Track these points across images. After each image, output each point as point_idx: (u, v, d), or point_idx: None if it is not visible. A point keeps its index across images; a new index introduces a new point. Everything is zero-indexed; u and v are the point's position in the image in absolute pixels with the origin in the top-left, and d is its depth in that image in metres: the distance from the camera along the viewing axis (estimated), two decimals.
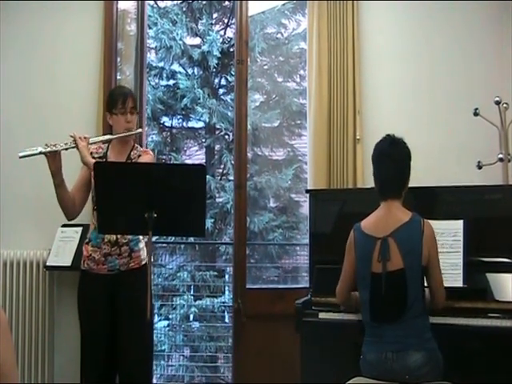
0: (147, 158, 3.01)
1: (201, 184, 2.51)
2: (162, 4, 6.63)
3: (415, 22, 3.92)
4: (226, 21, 6.83)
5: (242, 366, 3.80)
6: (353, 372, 2.53)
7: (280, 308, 3.64)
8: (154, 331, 5.61)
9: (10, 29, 3.85)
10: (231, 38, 6.46)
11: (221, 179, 6.56)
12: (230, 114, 6.35)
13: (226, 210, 6.28)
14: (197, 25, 6.64)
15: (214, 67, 6.56)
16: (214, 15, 6.84)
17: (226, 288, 6.21)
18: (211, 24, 6.68)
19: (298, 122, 6.39)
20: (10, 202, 3.75)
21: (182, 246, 6.43)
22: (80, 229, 3.54)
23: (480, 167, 3.56)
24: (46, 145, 2.79)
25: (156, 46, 6.57)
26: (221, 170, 6.66)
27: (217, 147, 6.71)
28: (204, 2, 6.63)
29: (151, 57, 6.51)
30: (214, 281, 6.17)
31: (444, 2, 3.84)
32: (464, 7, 3.86)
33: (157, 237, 4.70)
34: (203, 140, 6.81)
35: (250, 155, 5.26)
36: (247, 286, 3.88)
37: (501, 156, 3.50)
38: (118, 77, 3.92)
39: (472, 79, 3.83)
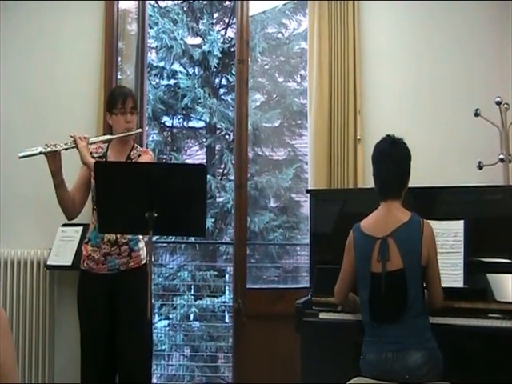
0: (147, 157, 3.01)
1: (201, 184, 2.51)
2: (162, 4, 6.63)
3: (416, 22, 3.91)
4: (226, 21, 6.84)
5: (243, 366, 3.80)
6: (353, 372, 2.53)
7: (280, 308, 3.63)
8: (155, 331, 5.64)
9: (10, 29, 3.85)
10: (232, 38, 6.46)
11: (221, 179, 6.56)
12: (230, 113, 6.35)
13: (227, 210, 6.28)
14: (197, 24, 6.65)
15: (215, 67, 6.56)
16: (215, 15, 6.85)
17: (227, 288, 6.21)
18: (212, 24, 6.69)
19: (299, 121, 6.39)
20: (10, 202, 3.75)
21: (183, 245, 6.44)
22: (80, 228, 3.53)
23: (481, 167, 3.56)
24: (46, 145, 2.79)
25: (157, 46, 6.57)
26: (221, 170, 6.67)
27: (217, 147, 6.71)
28: (205, 2, 6.63)
29: (152, 56, 6.51)
30: (214, 280, 6.18)
31: (444, 2, 3.84)
32: (464, 7, 3.85)
33: (157, 236, 4.69)
34: (204, 140, 6.81)
35: (250, 155, 5.26)
36: (247, 286, 3.88)
37: (501, 156, 3.50)
38: (119, 76, 3.91)
39: (473, 79, 3.83)
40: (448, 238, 2.91)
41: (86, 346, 2.95)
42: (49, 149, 2.78)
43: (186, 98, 6.49)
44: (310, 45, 3.91)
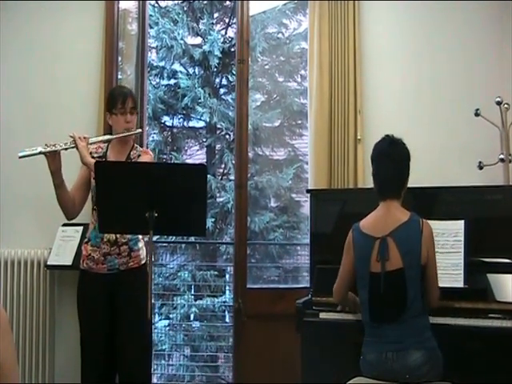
0: (147, 157, 3.01)
1: (201, 183, 2.51)
2: (163, 3, 6.63)
3: (416, 22, 3.91)
4: (227, 20, 6.84)
5: (243, 366, 3.80)
6: (353, 372, 2.53)
7: (281, 308, 3.63)
8: (155, 331, 5.65)
9: (10, 29, 3.85)
10: (232, 38, 6.46)
11: (221, 179, 6.56)
12: (230, 113, 6.35)
13: (227, 210, 6.28)
14: (198, 24, 6.64)
15: (215, 67, 6.56)
16: (215, 15, 6.85)
17: (227, 288, 6.21)
18: (212, 24, 6.68)
19: (299, 121, 6.40)
20: (10, 202, 3.75)
21: (183, 245, 6.44)
22: (81, 228, 3.53)
23: (481, 168, 3.56)
24: (46, 145, 2.79)
25: (157, 46, 6.57)
26: (221, 170, 6.67)
27: (217, 147, 6.71)
28: (205, 2, 6.63)
29: (152, 56, 6.51)
30: (214, 280, 6.18)
31: (445, 2, 3.83)
32: (464, 7, 3.85)
33: (157, 236, 4.69)
34: (204, 139, 6.81)
35: (250, 155, 5.26)
36: (248, 286, 3.88)
37: (502, 156, 3.50)
38: (119, 76, 3.91)
39: (473, 79, 3.82)
40: (448, 238, 2.91)
41: (86, 346, 2.95)
42: (48, 149, 2.78)
43: (186, 98, 6.49)
44: (310, 45, 3.91)
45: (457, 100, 3.81)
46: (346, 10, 3.83)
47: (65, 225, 3.56)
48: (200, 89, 6.47)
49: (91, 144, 2.94)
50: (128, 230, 2.75)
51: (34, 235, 3.75)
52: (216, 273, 6.22)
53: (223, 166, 6.62)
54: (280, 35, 6.55)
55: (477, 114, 3.51)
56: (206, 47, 6.50)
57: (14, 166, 3.46)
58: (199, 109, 6.50)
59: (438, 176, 3.59)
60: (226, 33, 6.76)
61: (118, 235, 2.90)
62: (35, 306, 3.67)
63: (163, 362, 5.79)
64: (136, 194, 2.49)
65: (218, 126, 6.58)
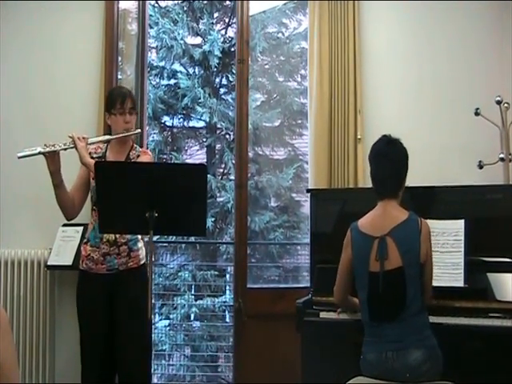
0: (146, 158, 3.01)
1: (202, 183, 2.51)
2: (163, 3, 6.62)
3: (416, 22, 3.91)
4: (226, 20, 6.83)
5: (243, 366, 3.80)
6: (353, 372, 2.53)
7: (281, 307, 3.63)
8: (155, 331, 5.65)
9: (10, 28, 3.84)
10: (232, 38, 6.46)
11: (222, 178, 6.56)
12: (230, 113, 6.35)
13: (227, 210, 6.28)
14: (198, 24, 6.64)
15: (215, 67, 6.56)
16: (215, 15, 6.84)
17: (227, 287, 6.21)
18: (212, 23, 6.68)
19: (299, 121, 6.39)
20: (10, 202, 3.75)
21: (183, 245, 6.44)
22: (81, 228, 3.53)
23: (481, 167, 3.55)
24: (45, 145, 2.79)
25: (157, 46, 6.57)
26: (222, 170, 6.67)
27: (218, 146, 6.70)
28: (205, 2, 6.62)
29: (152, 56, 6.51)
30: (214, 280, 6.18)
31: (445, 2, 3.83)
32: (465, 7, 3.85)
33: (158, 236, 4.69)
34: (204, 139, 6.81)
35: (250, 154, 5.25)
36: (248, 286, 3.88)
37: (502, 156, 3.50)
38: (119, 76, 3.91)
39: (473, 79, 3.83)
40: (448, 238, 2.91)
41: (86, 347, 2.96)
42: (48, 149, 2.78)
43: (186, 98, 6.48)
44: (310, 44, 3.91)
45: (457, 99, 3.81)
46: (346, 9, 3.83)
47: (65, 225, 3.56)
48: (200, 89, 6.46)
49: (90, 144, 2.94)
50: (128, 230, 2.75)
51: (34, 235, 3.75)
52: (216, 273, 6.22)
53: (223, 165, 6.62)
54: (280, 35, 6.55)
55: (477, 114, 3.52)
56: (206, 47, 6.49)
57: (13, 166, 3.46)
58: (199, 109, 6.50)
59: (438, 175, 3.60)
60: (225, 33, 6.75)
61: (117, 235, 2.90)
62: (35, 306, 3.67)
63: (163, 362, 5.79)
64: (136, 194, 2.49)
65: (218, 125, 6.58)
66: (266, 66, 6.61)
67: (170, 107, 6.63)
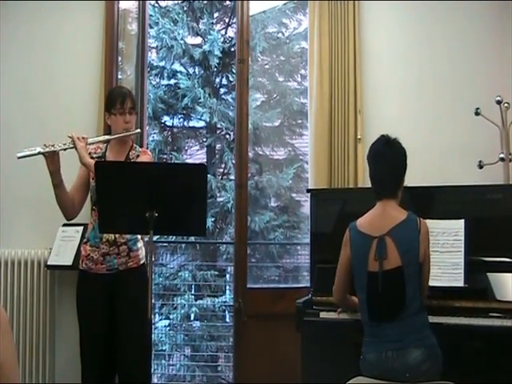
0: (146, 158, 3.01)
1: (202, 183, 2.51)
2: (163, 3, 6.63)
3: (416, 22, 3.91)
4: (227, 20, 6.83)
5: (243, 366, 3.80)
6: (353, 372, 2.53)
7: (281, 307, 3.63)
8: (155, 331, 5.65)
9: (10, 28, 3.84)
10: (232, 38, 6.46)
11: (222, 178, 6.56)
12: (230, 113, 6.35)
13: (227, 210, 6.28)
14: (198, 24, 6.64)
15: (215, 67, 6.56)
16: (215, 15, 6.84)
17: (227, 287, 6.21)
18: (212, 23, 6.68)
19: (299, 121, 6.40)
20: (10, 202, 3.75)
21: (183, 245, 6.44)
22: (81, 228, 3.53)
23: (481, 167, 3.55)
24: (45, 145, 2.79)
25: (157, 46, 6.57)
26: (222, 170, 6.67)
27: (218, 146, 6.71)
28: (205, 2, 6.63)
29: (152, 56, 6.51)
30: (214, 280, 6.18)
31: (445, 2, 3.83)
32: (465, 7, 3.85)
33: (158, 236, 4.69)
34: (204, 139, 6.81)
35: (250, 154, 5.25)
36: (248, 286, 3.88)
37: (502, 156, 3.50)
38: (119, 76, 3.91)
39: (473, 79, 3.83)
40: (448, 237, 2.91)
41: (86, 347, 2.96)
42: (47, 149, 2.78)
43: (186, 98, 6.48)
44: (310, 44, 3.91)
45: (457, 99, 3.81)
46: (346, 9, 3.83)
47: (65, 225, 3.56)
48: (200, 89, 6.46)
49: (90, 144, 2.94)
50: (128, 229, 2.75)
51: (34, 235, 3.75)
52: (216, 273, 6.22)
53: (223, 165, 6.62)
54: (280, 35, 6.55)
55: (477, 114, 3.51)
56: (206, 47, 6.50)
57: (13, 166, 3.46)
58: (199, 109, 6.50)
59: (438, 175, 3.60)
60: (225, 33, 6.76)
61: (116, 235, 2.90)
62: (35, 306, 3.66)
63: (163, 362, 5.79)
64: (136, 193, 2.49)
65: (218, 125, 6.58)
66: (266, 66, 6.61)
67: (170, 107, 6.64)
